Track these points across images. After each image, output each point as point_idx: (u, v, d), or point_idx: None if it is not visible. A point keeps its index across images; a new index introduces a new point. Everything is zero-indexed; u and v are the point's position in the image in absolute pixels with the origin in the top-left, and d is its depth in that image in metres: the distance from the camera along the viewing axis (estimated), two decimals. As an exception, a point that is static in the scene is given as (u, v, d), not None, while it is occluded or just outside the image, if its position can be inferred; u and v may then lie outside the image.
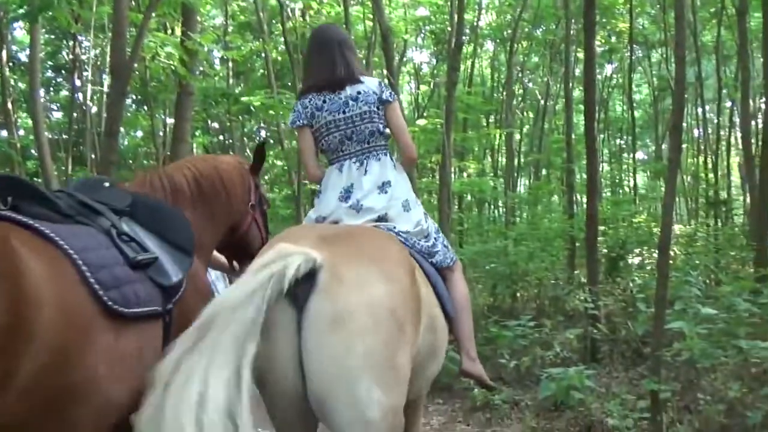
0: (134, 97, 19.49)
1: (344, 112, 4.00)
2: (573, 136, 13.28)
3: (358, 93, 4.00)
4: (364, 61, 14.14)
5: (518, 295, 10.57)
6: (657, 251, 5.59)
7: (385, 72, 10.35)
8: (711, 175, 17.99)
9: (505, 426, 6.90)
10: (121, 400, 3.00)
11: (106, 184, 3.71)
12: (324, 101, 4.02)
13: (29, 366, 2.48)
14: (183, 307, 3.31)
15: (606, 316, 8.33)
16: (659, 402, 5.39)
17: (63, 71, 20.45)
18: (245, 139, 23.20)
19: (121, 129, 22.13)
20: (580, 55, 15.40)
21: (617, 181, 24.41)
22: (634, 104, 22.18)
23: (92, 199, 3.41)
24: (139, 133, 20.78)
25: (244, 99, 13.68)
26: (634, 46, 19.13)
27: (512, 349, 8.27)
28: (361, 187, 3.96)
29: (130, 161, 22.22)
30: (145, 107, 17.94)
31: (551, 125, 22.64)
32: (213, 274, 5.35)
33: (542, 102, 21.97)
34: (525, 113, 24.16)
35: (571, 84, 14.02)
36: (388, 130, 4.11)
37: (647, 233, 11.73)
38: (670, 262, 11.26)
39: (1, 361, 2.39)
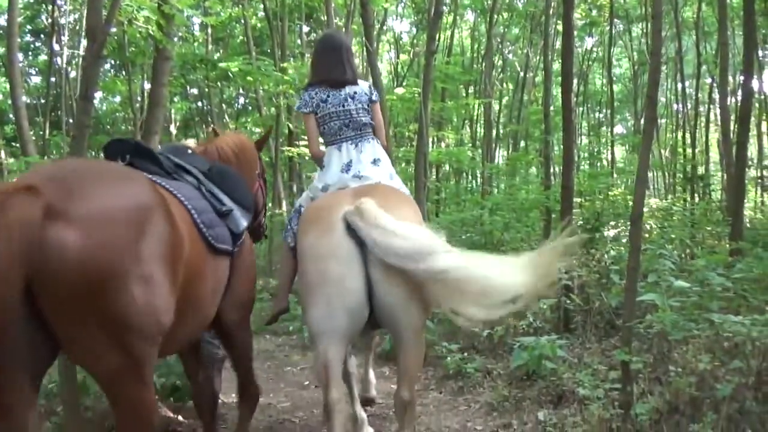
0: (113, 62, 19.34)
1: (343, 106, 5.14)
2: (551, 108, 13.25)
3: (355, 93, 5.19)
4: (343, 29, 14.11)
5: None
6: (630, 222, 5.61)
7: (363, 40, 10.32)
8: (689, 151, 18.08)
9: (477, 394, 6.93)
10: (208, 320, 4.23)
11: (189, 151, 4.86)
12: (328, 96, 5.15)
13: (180, 278, 3.44)
14: (241, 249, 4.51)
15: (580, 287, 8.35)
16: (630, 373, 5.42)
17: (42, 35, 20.22)
18: (224, 105, 23.08)
19: (99, 94, 22.07)
20: (560, 27, 15.43)
21: (595, 154, 24.50)
22: (614, 78, 22.26)
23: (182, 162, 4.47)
24: (117, 99, 20.64)
25: (222, 65, 13.59)
26: (615, 20, 19.17)
27: (485, 319, 8.32)
28: (360, 161, 5.12)
29: (108, 126, 22.08)
30: (123, 72, 17.82)
31: (530, 97, 22.65)
32: None
33: (521, 74, 21.95)
34: (504, 84, 24.15)
35: (550, 56, 13.97)
36: (373, 122, 5.36)
37: (623, 206, 11.77)
38: (646, 235, 11.42)
39: (175, 270, 3.38)
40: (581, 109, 24.48)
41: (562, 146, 8.86)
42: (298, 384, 7.89)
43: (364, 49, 10.90)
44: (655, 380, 5.89)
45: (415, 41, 21.86)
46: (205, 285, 3.91)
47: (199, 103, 22.68)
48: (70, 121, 15.04)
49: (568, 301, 7.75)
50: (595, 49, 23.57)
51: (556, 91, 17.34)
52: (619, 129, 26.96)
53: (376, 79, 10.13)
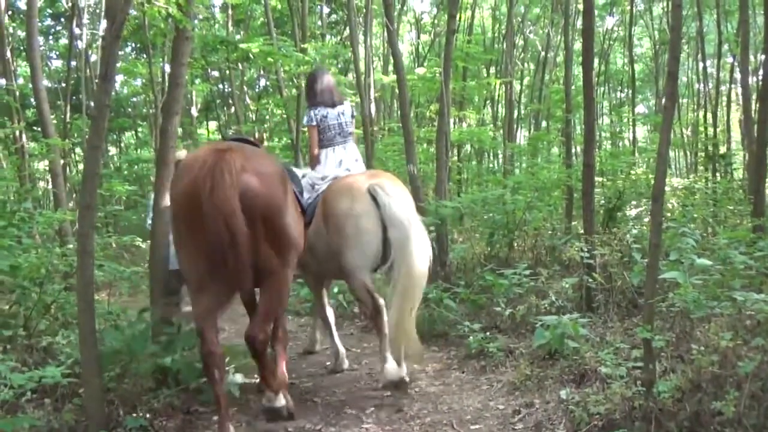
0: (133, 45, 19.38)
1: (337, 120, 7.26)
2: (572, 87, 13.17)
3: (343, 110, 7.34)
4: (363, 10, 14.09)
5: (515, 244, 10.56)
6: (651, 199, 5.57)
7: (384, 20, 10.31)
8: (710, 130, 17.92)
9: (500, 374, 6.95)
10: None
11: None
12: (327, 114, 7.22)
13: None
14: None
15: (602, 266, 8.34)
16: (652, 351, 5.41)
17: (62, 19, 20.27)
18: (245, 87, 23.08)
19: (120, 77, 22.16)
20: (581, 6, 15.31)
21: (616, 133, 24.32)
22: (635, 58, 22.05)
23: None
24: (138, 82, 20.68)
25: (242, 46, 13.59)
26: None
27: (508, 298, 8.34)
28: (348, 159, 7.31)
29: (129, 109, 22.18)
30: (144, 55, 17.86)
31: (551, 77, 22.48)
32: None
33: (543, 54, 21.78)
34: (526, 64, 23.99)
35: (571, 35, 13.86)
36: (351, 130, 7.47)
37: (645, 185, 11.71)
38: (668, 214, 11.34)
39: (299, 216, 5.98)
40: (602, 88, 24.33)
41: (583, 125, 8.79)
42: (320, 364, 7.92)
43: (385, 29, 10.88)
44: (678, 358, 5.88)
45: (435, 21, 21.76)
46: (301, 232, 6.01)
47: (220, 86, 22.71)
48: (91, 104, 15.13)
49: (591, 280, 7.72)
50: (615, 28, 23.37)
51: (577, 70, 17.24)
52: (640, 109, 26.71)
53: (396, 58, 10.12)
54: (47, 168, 15.67)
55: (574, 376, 6.42)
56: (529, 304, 7.88)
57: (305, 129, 7.89)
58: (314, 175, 7.24)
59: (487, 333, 7.74)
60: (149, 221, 8.57)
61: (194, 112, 20.08)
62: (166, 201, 6.75)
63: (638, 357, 5.86)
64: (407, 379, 6.50)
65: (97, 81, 16.03)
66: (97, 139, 5.22)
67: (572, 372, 6.49)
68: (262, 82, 24.01)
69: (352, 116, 7.47)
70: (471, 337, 7.58)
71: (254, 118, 21.88)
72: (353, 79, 15.61)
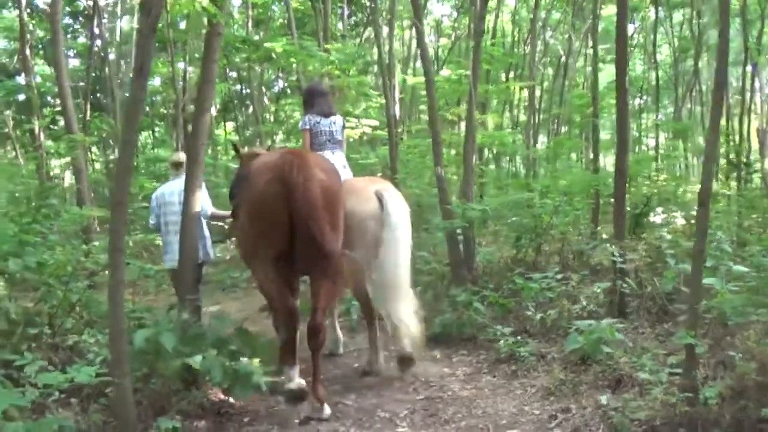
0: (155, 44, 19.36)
1: (329, 128, 7.82)
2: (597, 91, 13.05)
3: (335, 121, 7.93)
4: (384, 11, 14.04)
5: (542, 248, 10.45)
6: (697, 205, 5.46)
7: (413, 20, 10.24)
8: (731, 137, 17.77)
9: (532, 378, 6.85)
10: None
11: None
12: (319, 120, 7.78)
13: None
14: None
15: (632, 272, 8.25)
16: (695, 356, 5.32)
17: (80, 18, 20.26)
18: (263, 88, 23.02)
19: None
20: (603, 12, 15.25)
21: (636, 139, 24.13)
22: (627, 66, 21.89)
23: None
24: (157, 81, 20.64)
25: (267, 45, 13.50)
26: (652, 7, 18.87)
27: (537, 302, 8.23)
28: (336, 163, 7.39)
29: (147, 107, 22.09)
30: (165, 54, 17.82)
31: (571, 82, 22.34)
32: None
33: (563, 58, 21.65)
34: (545, 69, 23.87)
35: (597, 37, 13.75)
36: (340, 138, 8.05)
37: (671, 192, 11.63)
38: (692, 221, 11.21)
39: None
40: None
41: (615, 131, 8.68)
42: (347, 366, 7.84)
43: (413, 28, 10.80)
44: (719, 364, 5.77)
45: (456, 25, 21.66)
46: None
47: (238, 86, 22.65)
48: (111, 101, 15.11)
49: (624, 285, 7.62)
50: (636, 35, 23.23)
51: (601, 75, 17.10)
52: (658, 116, 26.54)
53: (425, 59, 10.05)
54: (65, 165, 15.62)
55: (608, 382, 6.33)
56: (561, 308, 7.78)
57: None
58: None
59: (518, 337, 7.63)
60: (152, 221, 8.63)
61: (213, 111, 19.96)
62: (197, 198, 6.69)
63: (674, 363, 5.78)
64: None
65: (122, 79, 16.11)
66: (131, 134, 5.14)
67: (606, 378, 6.41)
68: (280, 83, 23.99)
69: (343, 127, 8.15)
70: (501, 341, 7.50)
71: (272, 119, 21.82)
72: (373, 81, 15.61)
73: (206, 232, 8.43)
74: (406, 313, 6.98)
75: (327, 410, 6.07)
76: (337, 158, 7.76)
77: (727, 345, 6.01)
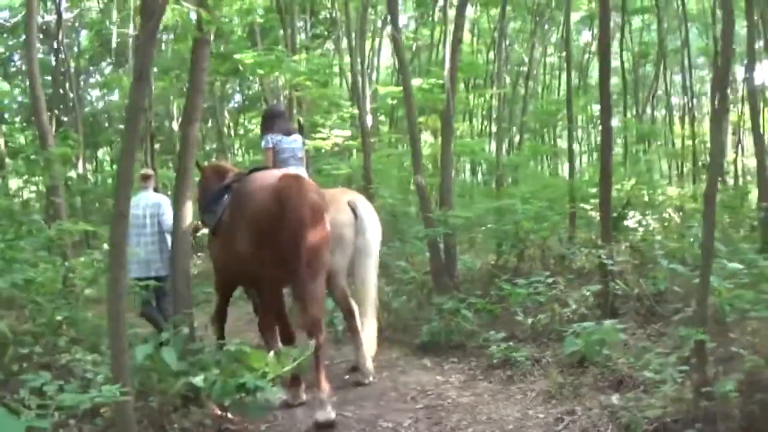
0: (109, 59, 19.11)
1: (291, 145, 8.07)
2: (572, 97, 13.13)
3: (296, 139, 8.24)
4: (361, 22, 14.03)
5: (524, 254, 10.46)
6: (703, 202, 5.49)
7: (390, 30, 10.21)
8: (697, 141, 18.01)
9: (530, 383, 6.83)
10: None
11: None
12: (281, 139, 8.00)
13: None
14: None
15: (618, 274, 8.29)
16: (705, 353, 5.32)
17: (41, 34, 19.89)
18: (223, 101, 22.80)
19: (95, 92, 21.82)
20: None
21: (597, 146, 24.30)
22: (611, 71, 22.12)
23: None
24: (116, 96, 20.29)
25: (236, 56, 13.36)
26: (613, 12, 19.05)
27: (524, 307, 8.23)
28: None
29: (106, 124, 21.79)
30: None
31: (532, 91, 22.43)
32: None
33: (525, 67, 21.72)
34: (507, 78, 23.96)
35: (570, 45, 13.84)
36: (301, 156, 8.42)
37: (642, 196, 11.74)
38: (665, 224, 11.36)
39: None
40: (581, 102, 24.31)
41: (600, 135, 8.70)
42: (338, 378, 7.70)
43: (379, 39, 10.79)
44: (726, 360, 5.78)
45: (415, 36, 21.60)
46: None
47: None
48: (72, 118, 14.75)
49: (617, 287, 7.65)
50: (594, 41, 23.41)
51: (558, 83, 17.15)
52: (614, 122, 26.68)
53: (403, 66, 10.06)
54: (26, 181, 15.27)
55: (609, 383, 6.33)
56: (552, 312, 7.78)
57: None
58: None
59: (510, 342, 7.60)
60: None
61: (175, 126, 19.69)
62: (188, 209, 6.55)
63: (674, 361, 5.77)
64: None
65: (77, 93, 15.81)
66: (131, 143, 4.99)
67: (606, 379, 6.43)
68: (237, 97, 23.79)
69: (303, 144, 8.74)
70: (494, 347, 7.45)
71: (233, 133, 21.60)
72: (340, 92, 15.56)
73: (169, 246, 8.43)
74: (370, 329, 7.56)
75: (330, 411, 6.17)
76: (301, 174, 8.02)
77: (729, 341, 6.03)
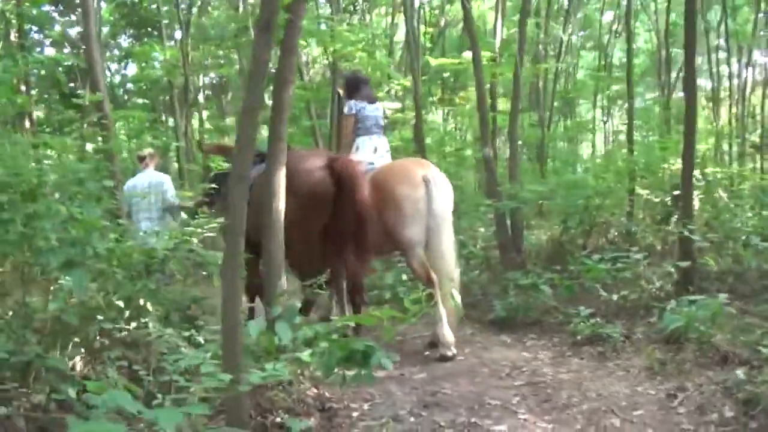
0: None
1: (374, 113, 8.10)
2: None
3: (378, 107, 8.23)
4: None
5: (591, 230, 10.30)
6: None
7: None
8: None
9: (625, 359, 6.67)
10: None
11: None
12: (365, 106, 8.04)
13: None
14: None
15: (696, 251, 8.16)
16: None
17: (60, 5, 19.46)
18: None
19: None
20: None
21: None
22: (634, 50, 21.87)
23: None
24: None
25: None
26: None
27: (603, 283, 8.08)
28: (381, 148, 8.17)
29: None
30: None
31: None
32: None
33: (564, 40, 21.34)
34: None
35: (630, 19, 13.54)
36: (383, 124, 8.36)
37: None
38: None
39: None
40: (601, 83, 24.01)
41: (684, 111, 8.48)
42: (418, 353, 7.53)
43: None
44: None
45: (439, 13, 21.26)
46: None
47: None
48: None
49: (711, 262, 7.52)
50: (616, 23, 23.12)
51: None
52: (638, 103, 26.11)
53: (473, 38, 9.88)
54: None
55: (711, 359, 6.17)
56: (641, 288, 7.63)
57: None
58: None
59: (596, 319, 7.44)
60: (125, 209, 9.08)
61: (201, 98, 19.41)
62: (281, 180, 6.28)
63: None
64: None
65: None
66: (255, 100, 4.70)
67: (705, 355, 6.25)
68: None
69: (385, 115, 8.62)
70: (581, 323, 7.30)
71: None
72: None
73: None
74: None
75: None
76: (382, 143, 8.24)
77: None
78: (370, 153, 8.06)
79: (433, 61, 14.70)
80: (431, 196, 7.29)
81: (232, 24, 15.37)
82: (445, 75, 15.92)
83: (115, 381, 4.89)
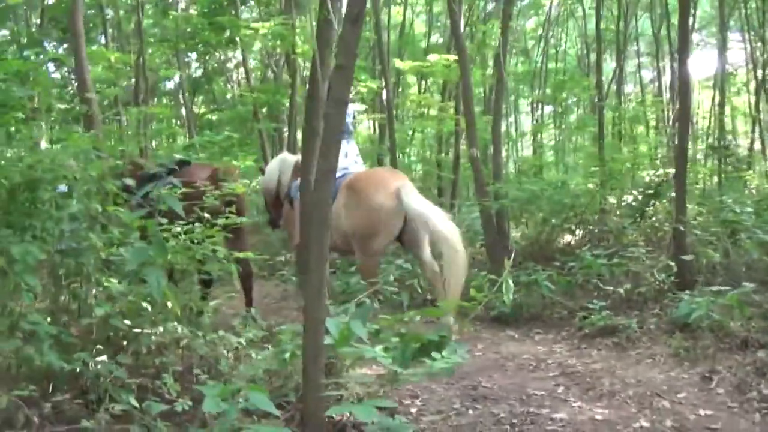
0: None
1: None
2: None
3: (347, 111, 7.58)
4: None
5: (578, 227, 10.59)
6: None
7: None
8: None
9: (644, 348, 6.88)
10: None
11: None
12: None
13: None
14: None
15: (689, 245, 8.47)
16: None
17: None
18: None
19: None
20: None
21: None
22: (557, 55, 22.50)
23: None
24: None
25: (254, 26, 12.96)
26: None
27: (602, 277, 8.35)
28: (351, 153, 8.31)
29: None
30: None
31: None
32: None
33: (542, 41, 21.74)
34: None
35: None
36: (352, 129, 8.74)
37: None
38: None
39: None
40: (521, 86, 24.51)
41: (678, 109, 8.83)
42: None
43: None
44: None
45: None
46: None
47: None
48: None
49: (711, 255, 7.85)
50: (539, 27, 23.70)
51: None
52: (548, 108, 26.68)
53: (458, 40, 10.00)
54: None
55: (729, 345, 6.45)
56: (646, 281, 7.92)
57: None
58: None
59: (604, 312, 7.64)
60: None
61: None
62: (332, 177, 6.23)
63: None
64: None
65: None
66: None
67: (724, 342, 6.52)
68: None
69: (353, 117, 8.71)
70: (592, 316, 7.50)
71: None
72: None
73: None
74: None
75: None
76: (352, 148, 8.37)
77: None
78: (342, 158, 7.96)
79: (400, 63, 14.82)
80: (407, 204, 7.56)
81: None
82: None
83: (169, 387, 4.86)
